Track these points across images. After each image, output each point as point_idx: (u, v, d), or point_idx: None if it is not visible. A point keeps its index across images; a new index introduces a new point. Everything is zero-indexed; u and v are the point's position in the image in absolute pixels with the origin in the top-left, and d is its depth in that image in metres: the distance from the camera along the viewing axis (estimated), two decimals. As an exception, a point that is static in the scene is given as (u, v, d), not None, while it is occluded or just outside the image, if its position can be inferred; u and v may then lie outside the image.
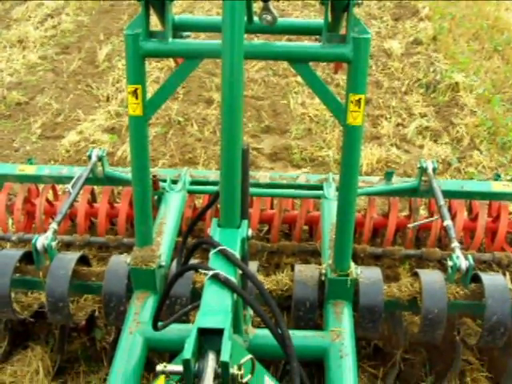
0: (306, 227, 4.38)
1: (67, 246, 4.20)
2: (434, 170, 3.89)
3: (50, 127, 6.32)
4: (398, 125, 6.36)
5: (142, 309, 2.98)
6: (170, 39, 2.63)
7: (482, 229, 4.03)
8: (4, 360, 3.46)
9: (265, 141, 6.04)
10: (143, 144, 2.81)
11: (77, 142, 5.91)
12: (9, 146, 5.96)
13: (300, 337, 2.87)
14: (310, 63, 2.62)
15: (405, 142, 6.05)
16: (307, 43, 2.65)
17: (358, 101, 2.53)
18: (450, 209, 4.08)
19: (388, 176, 4.12)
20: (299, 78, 7.00)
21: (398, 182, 4.13)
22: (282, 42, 2.68)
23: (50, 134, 6.19)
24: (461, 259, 3.07)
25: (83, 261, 3.36)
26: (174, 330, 2.65)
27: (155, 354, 3.25)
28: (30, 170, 4.22)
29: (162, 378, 2.15)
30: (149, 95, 2.73)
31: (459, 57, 7.91)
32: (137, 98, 2.65)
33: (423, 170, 3.91)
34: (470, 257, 3.08)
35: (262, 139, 6.06)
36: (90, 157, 4.00)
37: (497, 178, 4.32)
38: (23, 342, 3.57)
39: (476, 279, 3.14)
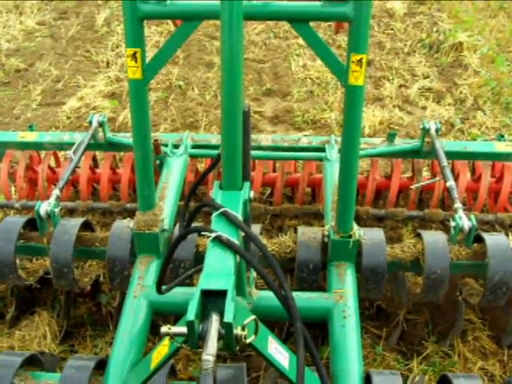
0: (308, 189, 4.37)
1: (70, 213, 4.21)
2: (437, 130, 3.86)
3: (50, 94, 6.28)
4: (400, 86, 6.30)
5: (145, 273, 2.99)
6: (168, 1, 2.59)
7: (485, 189, 4.02)
8: (12, 325, 3.51)
9: (266, 104, 6.00)
10: (144, 108, 2.78)
11: (77, 108, 5.89)
12: (9, 114, 5.94)
13: (303, 298, 2.89)
14: (311, 24, 2.58)
15: (407, 103, 6.01)
16: (307, 2, 2.60)
17: (360, 61, 2.49)
18: (452, 170, 4.07)
19: (390, 137, 4.10)
20: (300, 40, 6.92)
21: (400, 144, 4.11)
22: (282, 2, 2.63)
23: (51, 100, 6.16)
24: (463, 220, 3.07)
25: (86, 226, 3.37)
26: (177, 293, 2.66)
27: (160, 317, 3.28)
28: (31, 136, 4.20)
29: (166, 339, 2.17)
30: (148, 60, 2.70)
31: (463, 16, 7.80)
32: (136, 61, 2.61)
33: (426, 131, 3.88)
34: (472, 217, 3.08)
35: (264, 102, 6.02)
36: (90, 122, 3.98)
37: (500, 138, 4.28)
38: (30, 307, 3.62)
39: (478, 240, 3.14)
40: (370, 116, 5.58)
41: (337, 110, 5.74)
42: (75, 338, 3.49)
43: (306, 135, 4.86)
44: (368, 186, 4.08)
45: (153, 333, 3.14)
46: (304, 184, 4.12)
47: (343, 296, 2.87)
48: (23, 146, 4.21)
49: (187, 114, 5.74)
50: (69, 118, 5.75)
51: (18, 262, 3.20)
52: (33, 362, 2.66)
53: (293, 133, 5.44)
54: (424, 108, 5.90)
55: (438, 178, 3.94)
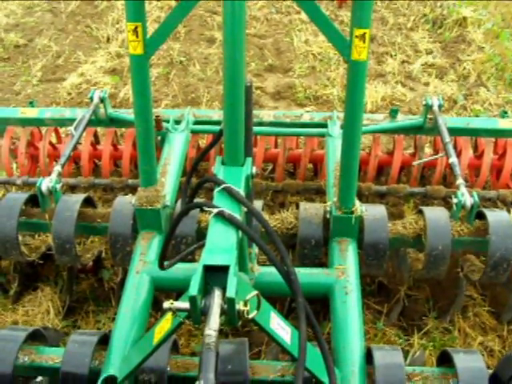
0: (310, 165, 4.37)
1: (72, 189, 4.21)
2: (440, 106, 3.83)
3: (50, 70, 6.24)
4: (403, 62, 6.25)
5: (147, 249, 3.00)
6: (169, -26, 2.56)
7: (488, 166, 4.01)
8: (15, 301, 3.53)
9: (268, 80, 5.96)
10: (145, 83, 2.76)
11: (78, 84, 5.85)
12: (9, 90, 5.91)
13: (305, 274, 2.89)
14: (314, -3, 2.55)
15: (410, 79, 5.96)
16: (310, -24, 2.57)
17: (363, 35, 2.46)
18: (455, 146, 4.05)
19: (393, 113, 4.07)
20: (302, 16, 6.87)
21: (403, 120, 4.08)
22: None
23: (51, 76, 6.12)
24: (466, 196, 3.07)
25: (88, 202, 3.37)
26: (180, 269, 2.67)
27: (162, 293, 3.30)
28: (31, 113, 4.17)
29: (169, 315, 2.18)
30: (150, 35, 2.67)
31: (467, -10, 7.71)
32: (137, 36, 2.59)
33: (429, 107, 3.84)
34: (474, 194, 3.08)
35: (266, 78, 5.98)
36: (91, 98, 3.95)
37: (503, 115, 4.25)
38: (33, 283, 3.63)
39: (480, 216, 3.14)
40: (373, 92, 5.55)
41: (339, 86, 5.71)
42: (78, 313, 3.52)
43: (308, 111, 4.83)
44: (370, 162, 4.06)
45: (155, 308, 3.16)
46: (306, 160, 4.11)
47: (345, 272, 2.87)
48: (24, 122, 4.19)
49: (188, 89, 5.71)
50: (69, 93, 5.72)
51: (20, 238, 3.20)
52: (36, 337, 2.69)
53: (295, 109, 5.41)
54: (427, 84, 5.86)
55: (440, 155, 3.93)
